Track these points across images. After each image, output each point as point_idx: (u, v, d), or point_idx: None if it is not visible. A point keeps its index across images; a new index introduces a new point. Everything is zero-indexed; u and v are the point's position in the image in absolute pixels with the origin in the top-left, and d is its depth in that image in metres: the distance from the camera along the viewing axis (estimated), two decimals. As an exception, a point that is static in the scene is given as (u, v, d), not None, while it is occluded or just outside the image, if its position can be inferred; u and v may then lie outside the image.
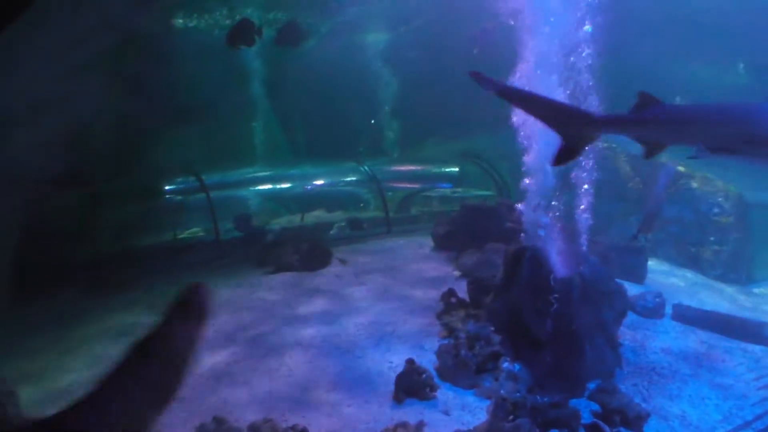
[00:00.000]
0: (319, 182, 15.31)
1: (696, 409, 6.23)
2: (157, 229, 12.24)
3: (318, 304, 8.99)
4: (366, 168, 14.92)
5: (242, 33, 10.43)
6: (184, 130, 13.90)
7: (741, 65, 15.73)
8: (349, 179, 15.47)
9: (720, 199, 11.75)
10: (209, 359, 6.98)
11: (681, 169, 12.21)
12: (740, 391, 6.71)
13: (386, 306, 8.84)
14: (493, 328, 6.92)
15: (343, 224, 14.05)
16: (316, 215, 15.01)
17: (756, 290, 11.22)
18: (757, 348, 7.97)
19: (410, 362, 6.25)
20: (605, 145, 12.68)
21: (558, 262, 6.65)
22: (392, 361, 6.83)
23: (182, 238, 12.89)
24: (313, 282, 10.20)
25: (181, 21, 14.14)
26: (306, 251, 11.12)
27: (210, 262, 11.60)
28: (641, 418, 5.79)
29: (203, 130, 14.40)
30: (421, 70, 15.63)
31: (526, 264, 6.64)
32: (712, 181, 12.09)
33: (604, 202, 12.23)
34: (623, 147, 13.08)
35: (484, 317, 7.44)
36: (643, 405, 6.06)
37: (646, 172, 12.33)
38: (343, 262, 11.41)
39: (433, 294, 8.88)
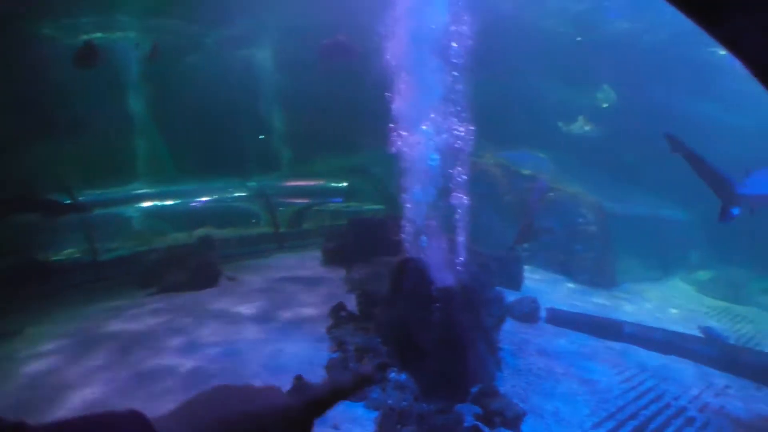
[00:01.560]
0: (206, 198, 14.82)
1: (567, 405, 6.64)
2: (26, 250, 11.26)
3: (205, 324, 8.65)
4: (254, 183, 14.66)
5: (84, 56, 10.11)
6: (55, 145, 12.92)
7: (604, 87, 17.05)
8: (237, 195, 15.11)
9: (584, 210, 12.78)
10: (82, 391, 6.50)
11: (550, 183, 13.10)
12: (605, 385, 7.25)
13: (276, 322, 8.69)
14: (380, 340, 6.99)
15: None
16: (204, 232, 14.48)
17: (617, 292, 12.23)
18: (618, 345, 8.66)
19: (298, 379, 6.17)
20: (482, 160, 13.36)
21: (440, 273, 6.85)
22: (281, 379, 6.70)
23: (57, 260, 11.94)
24: (200, 301, 9.82)
25: (47, 30, 13.18)
26: (193, 270, 10.70)
27: (88, 285, 10.85)
28: (519, 417, 6.08)
29: (78, 145, 13.47)
30: (311, 86, 15.64)
31: (409, 276, 6.78)
32: (577, 194, 13.09)
33: (483, 214, 12.84)
34: (498, 161, 13.81)
35: (373, 329, 7.51)
36: (521, 405, 6.37)
37: (521, 187, 13.12)
38: (232, 279, 11.10)
39: (324, 308, 8.85)
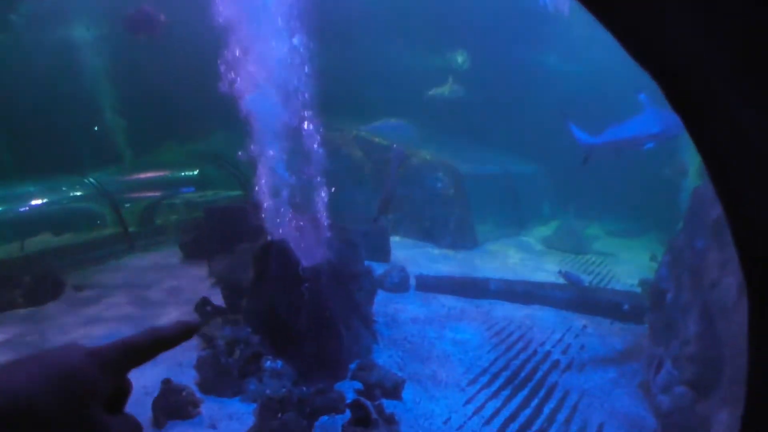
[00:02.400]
0: (38, 202, 13.47)
1: (444, 368, 6.99)
2: None
3: (53, 340, 7.95)
4: (92, 180, 13.57)
5: None
6: None
7: (460, 51, 17.45)
8: (75, 195, 13.89)
9: (441, 174, 13.30)
10: None
11: (408, 151, 13.42)
12: (477, 342, 7.71)
13: (135, 328, 8.19)
14: (251, 329, 6.86)
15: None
16: (41, 240, 13.20)
17: (480, 252, 13.00)
18: (485, 302, 9.23)
19: (166, 382, 5.89)
20: (338, 134, 13.40)
21: (305, 252, 6.84)
22: (146, 386, 6.35)
23: None
24: (42, 317, 8.99)
25: None
26: (30, 284, 9.76)
27: None
28: (398, 385, 6.29)
29: None
30: (146, 67, 14.66)
31: (274, 259, 6.70)
32: (434, 159, 13.57)
33: (345, 188, 12.95)
34: (354, 134, 13.92)
35: (242, 320, 7.34)
36: (400, 374, 6.60)
37: (378, 157, 13.33)
38: (79, 289, 10.28)
39: (187, 307, 8.50)
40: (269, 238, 7.27)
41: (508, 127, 16.68)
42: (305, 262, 6.85)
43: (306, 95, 7.24)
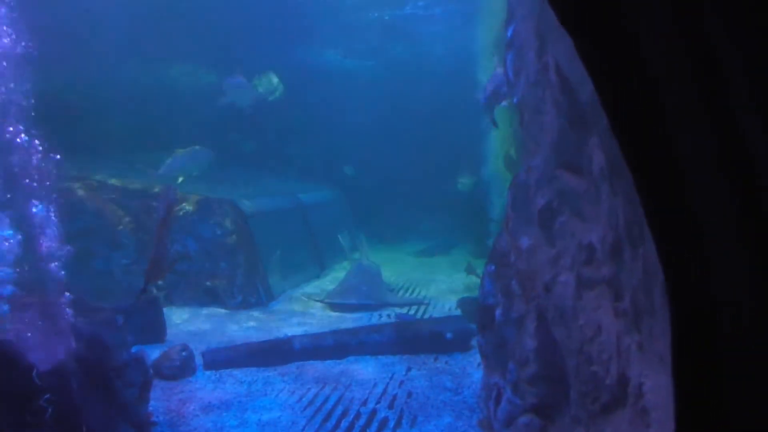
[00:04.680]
0: None
1: (253, 464, 6.37)
2: None
3: None
4: None
5: None
6: None
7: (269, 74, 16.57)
8: None
9: (219, 218, 12.34)
10: None
11: (180, 194, 12.23)
12: (288, 419, 7.19)
13: None
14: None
15: None
16: None
17: (279, 306, 12.46)
18: (292, 367, 8.76)
19: None
20: (78, 184, 11.86)
21: (39, 351, 5.84)
22: None
23: None
24: None
25: None
26: None
27: None
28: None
29: None
30: None
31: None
32: (209, 200, 12.51)
33: (97, 257, 11.65)
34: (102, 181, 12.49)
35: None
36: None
37: (138, 207, 12.00)
38: None
39: None
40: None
41: (295, 145, 16.52)
42: (43, 365, 5.84)
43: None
